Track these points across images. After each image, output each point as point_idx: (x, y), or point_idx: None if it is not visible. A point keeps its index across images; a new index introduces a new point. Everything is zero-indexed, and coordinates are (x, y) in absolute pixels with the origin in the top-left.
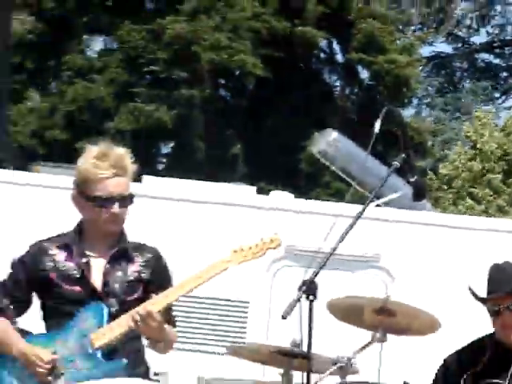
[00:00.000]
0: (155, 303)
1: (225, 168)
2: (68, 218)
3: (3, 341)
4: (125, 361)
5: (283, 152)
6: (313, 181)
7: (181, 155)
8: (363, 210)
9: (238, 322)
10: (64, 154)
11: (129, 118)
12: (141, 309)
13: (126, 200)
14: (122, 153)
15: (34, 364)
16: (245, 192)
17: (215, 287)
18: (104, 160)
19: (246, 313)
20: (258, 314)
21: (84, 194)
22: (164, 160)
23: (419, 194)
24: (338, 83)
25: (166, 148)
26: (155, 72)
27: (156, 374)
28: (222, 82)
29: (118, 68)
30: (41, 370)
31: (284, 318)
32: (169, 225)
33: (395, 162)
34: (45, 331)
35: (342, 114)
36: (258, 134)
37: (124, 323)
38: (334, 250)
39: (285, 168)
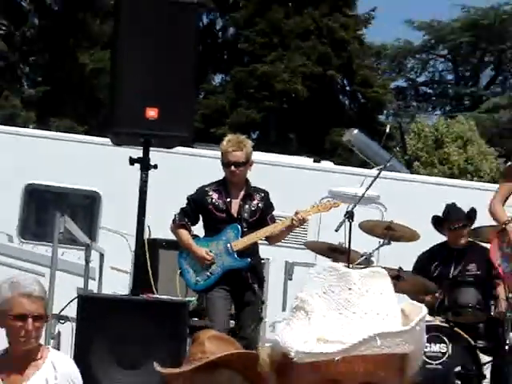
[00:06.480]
0: (305, 214)
1: None
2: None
3: (188, 245)
4: (249, 259)
5: None
6: None
7: None
8: (377, 174)
9: None
10: None
11: None
12: (298, 217)
13: (242, 165)
14: (242, 138)
15: (202, 258)
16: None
17: None
18: (229, 141)
19: None
20: None
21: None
22: None
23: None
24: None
25: None
26: None
27: None
28: None
29: None
30: (205, 261)
31: (336, 231)
32: None
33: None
34: (204, 236)
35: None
36: None
37: (250, 237)
38: (363, 194)
39: None
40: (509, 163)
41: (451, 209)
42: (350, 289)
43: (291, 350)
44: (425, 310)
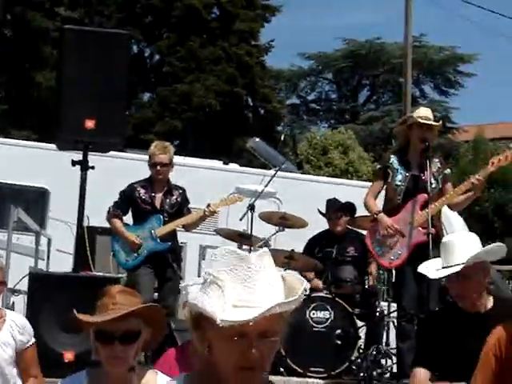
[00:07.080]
0: (215, 206)
1: None
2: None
3: (120, 232)
4: (169, 243)
5: None
6: None
7: None
8: (274, 174)
9: None
10: None
11: None
12: (209, 209)
13: (165, 166)
14: (166, 144)
15: (132, 243)
16: None
17: None
18: (155, 146)
19: None
20: None
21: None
22: None
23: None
24: None
25: None
26: None
27: None
28: None
29: None
30: (135, 245)
31: (241, 220)
32: None
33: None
34: (133, 224)
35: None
36: None
37: (170, 225)
38: (263, 190)
39: None
40: (378, 166)
41: (330, 203)
42: (249, 267)
43: (216, 317)
44: (305, 282)
